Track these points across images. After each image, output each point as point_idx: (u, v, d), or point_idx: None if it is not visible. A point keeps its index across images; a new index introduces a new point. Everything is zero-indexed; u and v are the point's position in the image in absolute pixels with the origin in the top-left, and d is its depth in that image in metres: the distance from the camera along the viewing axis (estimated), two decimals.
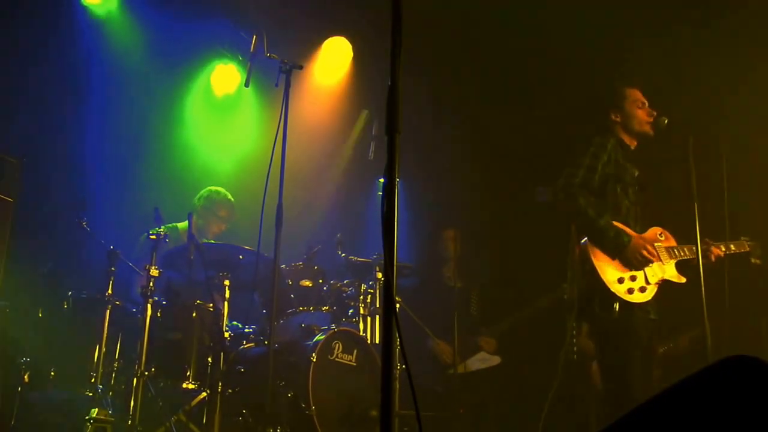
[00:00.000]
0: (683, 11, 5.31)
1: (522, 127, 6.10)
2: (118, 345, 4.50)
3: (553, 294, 5.52)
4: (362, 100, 7.03)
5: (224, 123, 6.93)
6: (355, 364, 4.64)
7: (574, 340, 4.38)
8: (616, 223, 4.04)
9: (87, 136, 5.91)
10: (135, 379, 4.16)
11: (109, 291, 4.41)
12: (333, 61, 6.70)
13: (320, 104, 6.84)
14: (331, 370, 4.49)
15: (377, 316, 4.92)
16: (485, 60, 6.09)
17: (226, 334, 4.56)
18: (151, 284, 4.35)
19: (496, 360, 5.67)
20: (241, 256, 4.77)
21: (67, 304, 4.55)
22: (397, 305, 3.44)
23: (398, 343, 1.91)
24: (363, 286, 5.00)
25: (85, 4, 6.14)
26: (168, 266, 4.67)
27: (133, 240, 5.30)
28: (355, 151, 7.10)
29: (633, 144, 4.31)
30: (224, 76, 6.79)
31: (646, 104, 4.29)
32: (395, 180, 1.95)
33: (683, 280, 4.06)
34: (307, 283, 5.05)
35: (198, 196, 5.69)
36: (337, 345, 4.59)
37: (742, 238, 4.31)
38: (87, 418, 3.97)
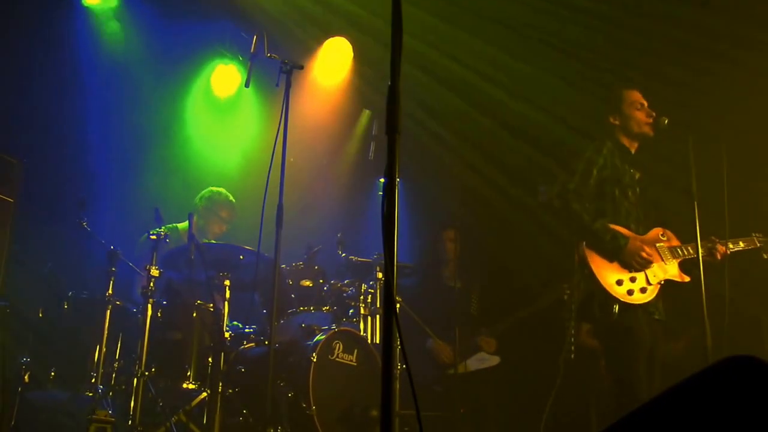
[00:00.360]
0: (683, 11, 5.31)
1: (522, 128, 6.11)
2: (119, 345, 4.50)
3: (553, 294, 5.53)
4: (362, 101, 7.03)
5: (225, 123, 6.93)
6: (355, 364, 4.64)
7: (572, 340, 4.39)
8: (613, 226, 4.04)
9: (87, 137, 5.91)
10: (135, 379, 4.16)
11: (110, 291, 4.41)
12: (333, 62, 6.70)
13: (320, 104, 6.84)
14: (331, 370, 4.49)
15: (377, 316, 4.92)
16: (485, 60, 6.09)
17: (227, 334, 4.55)
18: (151, 284, 4.35)
19: (495, 360, 5.67)
20: (241, 256, 4.77)
21: (67, 304, 4.55)
22: (398, 305, 3.45)
23: (398, 343, 1.91)
24: (363, 286, 4.99)
25: (85, 4, 6.15)
26: (168, 266, 4.67)
27: (134, 240, 5.30)
28: (355, 151, 7.11)
29: (633, 146, 4.32)
30: (225, 77, 6.79)
31: (646, 105, 4.30)
32: (395, 180, 1.95)
33: (687, 279, 4.06)
34: (308, 283, 5.05)
35: (199, 196, 5.70)
36: (338, 345, 4.59)
37: (754, 234, 4.29)
38: (87, 418, 3.96)
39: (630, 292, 3.95)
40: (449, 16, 5.90)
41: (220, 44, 6.71)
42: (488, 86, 6.13)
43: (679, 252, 4.11)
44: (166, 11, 6.16)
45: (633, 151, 4.32)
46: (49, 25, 5.87)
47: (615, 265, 3.99)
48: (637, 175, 4.25)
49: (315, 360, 4.37)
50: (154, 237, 4.41)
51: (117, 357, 4.48)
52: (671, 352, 5.13)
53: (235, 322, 5.01)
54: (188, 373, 4.49)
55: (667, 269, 4.06)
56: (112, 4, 6.24)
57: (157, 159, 6.33)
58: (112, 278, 4.45)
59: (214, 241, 5.53)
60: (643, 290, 3.96)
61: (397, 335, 1.85)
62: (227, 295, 4.65)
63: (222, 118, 6.93)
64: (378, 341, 4.83)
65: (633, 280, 3.97)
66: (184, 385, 4.46)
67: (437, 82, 6.21)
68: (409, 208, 6.74)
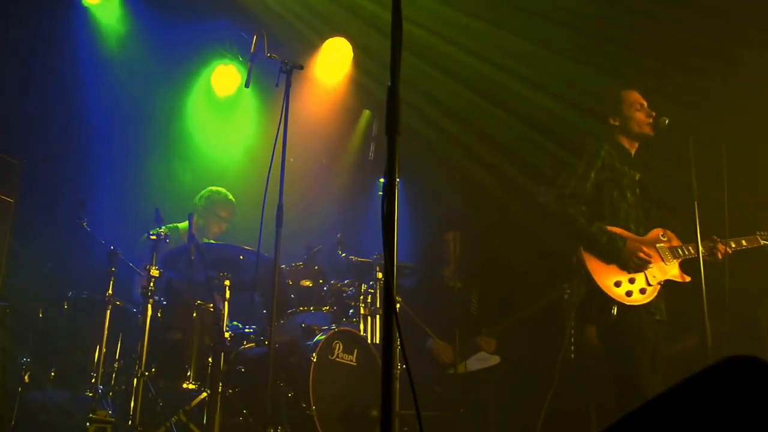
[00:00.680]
0: (683, 11, 5.31)
1: (522, 128, 6.10)
2: (119, 345, 4.50)
3: (553, 294, 5.52)
4: (362, 101, 7.03)
5: (225, 123, 6.93)
6: (355, 364, 4.64)
7: (573, 340, 4.39)
8: (612, 228, 4.04)
9: (87, 137, 5.91)
10: (135, 379, 4.16)
11: (110, 291, 4.41)
12: (333, 62, 6.70)
13: (320, 104, 6.84)
14: (331, 370, 4.49)
15: (377, 316, 4.92)
16: (487, 59, 6.09)
17: (227, 334, 4.55)
18: (151, 284, 4.35)
19: (495, 360, 5.67)
20: (241, 256, 4.77)
21: (67, 304, 4.55)
22: (397, 305, 3.44)
23: (398, 343, 1.91)
24: (363, 286, 4.99)
25: (85, 5, 6.15)
26: (168, 266, 4.67)
27: (134, 240, 5.30)
28: (355, 151, 7.11)
29: (633, 147, 4.31)
30: (225, 77, 6.80)
31: (645, 105, 4.29)
32: (395, 180, 1.95)
33: (687, 279, 4.06)
34: (308, 283, 5.05)
35: (199, 195, 5.70)
36: (338, 345, 4.59)
37: (758, 232, 4.29)
38: (87, 418, 3.96)
39: (629, 294, 3.95)
40: (457, 5, 5.90)
41: (220, 44, 6.71)
42: (489, 84, 6.13)
43: (680, 252, 4.11)
44: (166, 11, 6.17)
45: (633, 152, 4.32)
46: (50, 25, 5.87)
47: (613, 267, 3.99)
48: (637, 176, 4.25)
49: (315, 360, 4.37)
50: (154, 237, 4.41)
51: (117, 357, 4.48)
52: (682, 351, 5.12)
53: (235, 322, 5.01)
54: (188, 373, 4.49)
55: (668, 269, 4.06)
56: (112, 4, 6.24)
57: (157, 159, 6.34)
58: (112, 278, 4.45)
59: (213, 241, 5.53)
60: (642, 291, 3.96)
61: (397, 335, 1.85)
62: (227, 295, 4.65)
63: (222, 118, 6.93)
64: (378, 341, 4.83)
65: (632, 281, 3.97)
66: (184, 385, 4.46)
67: (438, 78, 6.20)
68: (409, 208, 6.74)
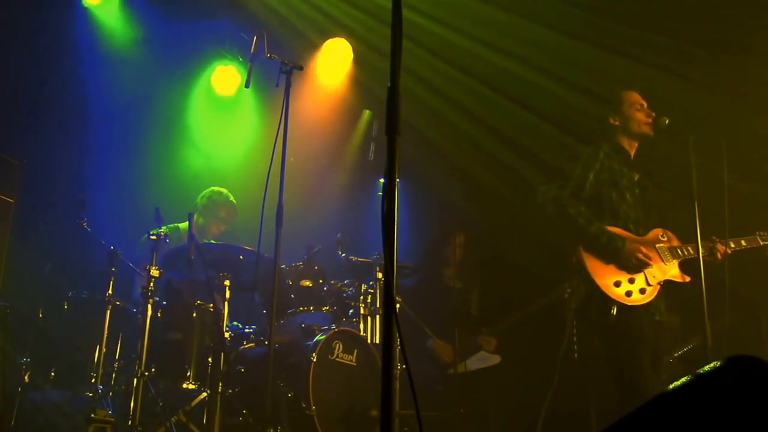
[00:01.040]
0: (683, 11, 5.31)
1: (522, 128, 6.11)
2: (119, 345, 4.50)
3: (553, 293, 5.52)
4: (362, 101, 7.04)
5: (225, 123, 6.93)
6: (355, 364, 4.64)
7: (573, 339, 4.38)
8: (611, 228, 4.04)
9: (87, 137, 5.92)
10: (135, 379, 4.16)
11: (110, 291, 4.41)
12: (333, 62, 6.71)
13: (320, 105, 6.84)
14: (331, 370, 4.49)
15: (377, 316, 4.92)
16: (488, 60, 6.09)
17: (227, 335, 4.55)
18: (151, 284, 4.35)
19: (496, 359, 5.67)
20: (241, 257, 4.77)
21: (67, 304, 4.55)
22: (397, 305, 3.45)
23: (398, 343, 1.91)
24: (363, 286, 4.99)
25: (86, 5, 6.15)
26: (168, 266, 4.67)
27: (134, 240, 5.30)
28: (355, 151, 7.11)
29: (633, 147, 4.31)
30: (225, 77, 6.80)
31: (645, 105, 4.30)
32: (395, 180, 1.95)
33: (687, 279, 4.06)
34: (308, 283, 5.05)
35: (200, 195, 5.71)
36: (338, 345, 4.59)
37: (757, 233, 4.29)
38: (87, 418, 3.96)
39: (628, 294, 3.95)
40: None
41: (220, 45, 6.71)
42: (489, 82, 6.13)
43: (679, 252, 4.11)
44: (166, 12, 6.17)
45: (632, 152, 4.32)
46: (50, 26, 5.87)
47: (612, 267, 3.99)
48: (636, 177, 4.25)
49: (315, 360, 4.37)
50: (154, 237, 4.41)
51: (117, 357, 4.48)
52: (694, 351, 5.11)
53: (235, 322, 5.01)
54: (188, 373, 4.49)
55: (667, 270, 4.06)
56: (112, 4, 6.24)
57: (158, 159, 6.34)
58: (112, 278, 4.45)
59: (214, 241, 5.53)
60: (642, 291, 3.96)
61: (397, 335, 1.85)
62: (227, 295, 4.65)
63: (222, 118, 6.94)
64: (378, 341, 4.83)
65: (631, 281, 3.97)
66: (184, 385, 4.46)
67: (438, 72, 6.21)
68: (409, 208, 6.74)
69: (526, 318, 5.74)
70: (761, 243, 4.26)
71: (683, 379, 1.45)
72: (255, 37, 4.37)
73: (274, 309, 3.99)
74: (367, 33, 6.19)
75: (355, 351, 4.66)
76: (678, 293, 4.10)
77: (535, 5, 5.69)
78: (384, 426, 1.78)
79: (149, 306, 4.32)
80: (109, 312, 4.38)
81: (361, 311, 4.94)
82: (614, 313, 3.89)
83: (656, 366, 3.97)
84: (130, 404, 4.15)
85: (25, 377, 4.31)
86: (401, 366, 4.31)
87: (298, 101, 5.71)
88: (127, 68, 6.18)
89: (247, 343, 4.77)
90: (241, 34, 6.35)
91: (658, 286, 4.01)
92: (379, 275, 4.97)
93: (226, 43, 6.71)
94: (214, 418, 4.29)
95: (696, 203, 3.92)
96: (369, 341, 4.79)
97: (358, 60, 6.64)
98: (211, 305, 4.63)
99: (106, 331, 4.34)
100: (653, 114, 4.26)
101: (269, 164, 3.97)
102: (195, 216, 5.03)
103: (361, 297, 4.97)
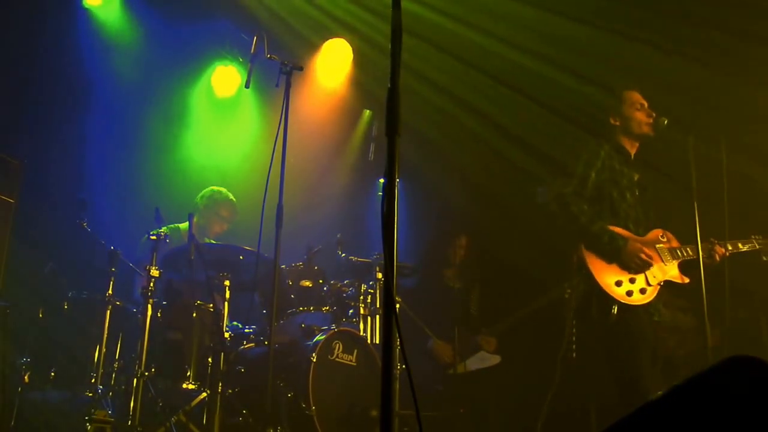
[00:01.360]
0: (683, 12, 5.31)
1: (522, 128, 6.11)
2: (118, 345, 4.50)
3: (553, 293, 5.53)
4: (362, 101, 7.04)
5: (225, 123, 6.94)
6: (355, 364, 4.64)
7: (574, 339, 4.38)
8: (612, 228, 4.04)
9: (88, 137, 5.92)
10: (135, 380, 4.16)
11: (110, 291, 4.41)
12: (333, 63, 6.71)
13: (320, 105, 6.85)
14: (331, 370, 4.49)
15: (377, 316, 4.92)
16: (488, 62, 6.09)
17: (227, 335, 4.56)
18: (151, 284, 4.35)
19: (496, 359, 5.67)
20: (241, 257, 4.78)
21: (67, 304, 4.55)
22: (397, 305, 3.45)
23: (398, 343, 1.91)
24: (363, 286, 5.00)
25: (86, 6, 6.15)
26: (168, 267, 4.67)
27: (134, 240, 5.30)
28: (355, 151, 7.11)
29: (633, 148, 4.32)
30: (225, 77, 6.81)
31: (645, 105, 4.31)
32: (395, 180, 1.95)
33: (686, 280, 4.07)
34: (307, 283, 5.05)
35: (200, 195, 5.71)
36: (338, 345, 4.59)
37: (753, 236, 4.30)
38: (87, 418, 3.96)
39: (629, 293, 3.95)
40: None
41: (220, 45, 6.71)
42: (489, 82, 6.13)
43: (679, 253, 4.11)
44: (166, 12, 6.17)
45: (633, 152, 4.32)
46: (50, 26, 5.87)
47: (614, 266, 3.99)
48: (636, 177, 4.25)
49: (315, 360, 4.37)
50: (154, 237, 4.41)
51: (117, 357, 4.48)
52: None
53: (235, 323, 5.01)
54: (188, 374, 4.49)
55: (667, 270, 4.07)
56: (113, 5, 6.24)
57: (158, 159, 6.34)
58: (112, 278, 4.45)
59: (214, 241, 5.53)
60: (642, 291, 3.97)
61: (397, 335, 1.85)
62: (227, 295, 4.65)
63: (222, 118, 6.94)
64: (378, 341, 4.83)
65: (632, 281, 3.97)
66: (184, 385, 4.46)
67: (440, 76, 6.21)
68: (409, 209, 6.74)
69: (526, 318, 5.74)
70: (757, 246, 4.27)
71: (684, 380, 1.45)
72: (255, 38, 4.37)
73: (274, 309, 4.00)
74: (367, 33, 6.19)
75: (355, 351, 4.67)
76: (687, 294, 4.10)
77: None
78: (384, 426, 1.79)
79: (149, 306, 4.32)
80: (109, 312, 4.38)
81: (361, 311, 4.94)
82: (615, 312, 3.90)
83: (656, 366, 3.97)
84: (130, 404, 4.15)
85: (25, 377, 4.30)
86: (401, 366, 4.31)
87: (298, 102, 5.71)
88: (128, 68, 6.18)
89: (247, 343, 4.77)
90: (241, 35, 6.35)
91: (658, 287, 4.01)
92: (379, 275, 4.97)
93: (226, 44, 6.71)
94: (214, 418, 4.29)
95: (695, 204, 3.92)
96: (369, 341, 4.79)
97: (358, 60, 6.64)
98: (211, 305, 4.63)
99: (106, 331, 4.34)
100: (654, 114, 4.26)
101: (269, 164, 3.98)
102: (195, 216, 5.03)
103: (361, 297, 4.97)
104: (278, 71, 4.22)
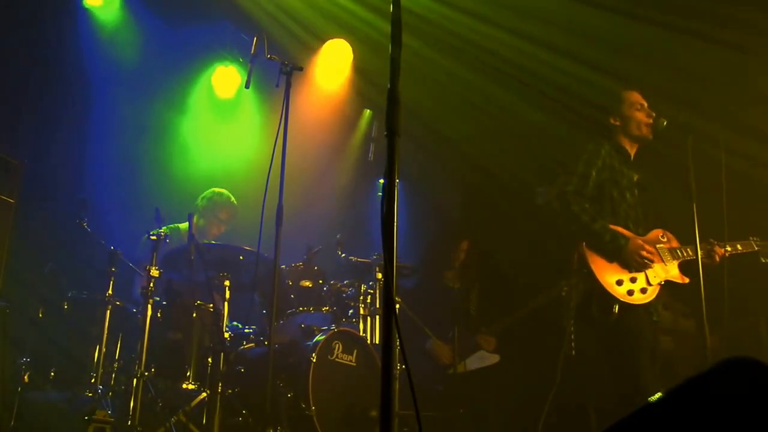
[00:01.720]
0: (683, 12, 5.31)
1: (522, 128, 6.11)
2: (118, 345, 4.50)
3: (551, 292, 5.53)
4: (362, 101, 7.04)
5: (225, 124, 6.94)
6: (355, 364, 4.64)
7: (573, 337, 4.38)
8: (613, 227, 4.05)
9: (88, 137, 5.92)
10: (135, 380, 4.16)
11: (110, 291, 4.42)
12: (333, 63, 6.71)
13: (320, 105, 6.85)
14: (331, 370, 4.49)
15: (377, 317, 4.93)
16: (489, 64, 6.09)
17: (226, 335, 4.56)
18: (151, 285, 4.35)
19: (495, 358, 5.67)
20: (241, 257, 4.78)
21: (67, 304, 4.55)
22: (397, 305, 3.45)
23: (398, 343, 1.91)
24: (363, 287, 5.00)
25: (86, 6, 6.16)
26: (168, 267, 4.67)
27: (134, 240, 5.31)
28: (355, 151, 7.12)
29: (633, 148, 4.33)
30: (225, 78, 6.81)
31: (645, 106, 4.31)
32: (395, 181, 1.95)
33: (686, 280, 4.07)
34: (307, 283, 5.06)
35: (201, 196, 5.71)
36: (337, 345, 4.59)
37: (751, 238, 4.30)
38: (87, 418, 3.96)
39: (630, 293, 3.95)
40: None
41: (221, 46, 6.71)
42: (488, 82, 6.14)
43: (679, 253, 4.12)
44: (167, 13, 6.17)
45: (632, 153, 4.33)
46: (51, 27, 5.87)
47: (615, 265, 4.00)
48: (635, 177, 4.26)
49: (314, 360, 4.37)
50: (154, 237, 4.41)
51: (117, 357, 4.48)
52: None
53: (235, 323, 5.01)
54: (188, 374, 4.49)
55: (668, 270, 4.07)
56: (113, 5, 6.25)
57: (158, 159, 6.34)
58: (112, 278, 4.45)
59: (213, 242, 5.53)
60: (643, 291, 3.97)
61: (397, 335, 1.86)
62: (227, 295, 4.65)
63: (222, 118, 6.94)
64: (377, 341, 4.83)
65: (633, 280, 3.98)
66: (184, 386, 4.46)
67: (440, 75, 6.21)
68: (408, 209, 6.74)
69: (525, 317, 5.74)
70: (755, 248, 4.27)
71: (683, 381, 1.45)
72: (255, 38, 4.37)
73: (274, 309, 4.00)
74: (367, 33, 6.19)
75: (355, 351, 4.67)
76: (677, 295, 4.11)
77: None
78: (383, 426, 1.79)
79: (149, 306, 4.32)
80: (109, 312, 4.39)
81: (361, 311, 4.94)
82: (616, 311, 3.90)
83: (655, 366, 3.97)
84: (129, 404, 4.15)
85: (25, 377, 4.30)
86: (401, 366, 4.31)
87: (298, 102, 5.71)
88: (127, 68, 6.18)
89: (246, 343, 4.77)
90: (242, 35, 6.36)
91: (659, 287, 4.02)
92: (379, 275, 4.98)
93: (226, 45, 6.71)
94: (213, 418, 4.29)
95: (694, 205, 3.93)
96: (369, 341, 4.79)
97: (358, 60, 6.64)
98: (211, 305, 4.63)
99: (106, 331, 4.34)
100: (653, 114, 4.27)
101: (269, 164, 3.98)
102: (195, 217, 5.03)
103: (361, 297, 4.97)
104: (278, 72, 4.22)
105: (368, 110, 7.14)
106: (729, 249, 4.18)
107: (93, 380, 4.27)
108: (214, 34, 6.59)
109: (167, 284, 4.68)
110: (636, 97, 4.34)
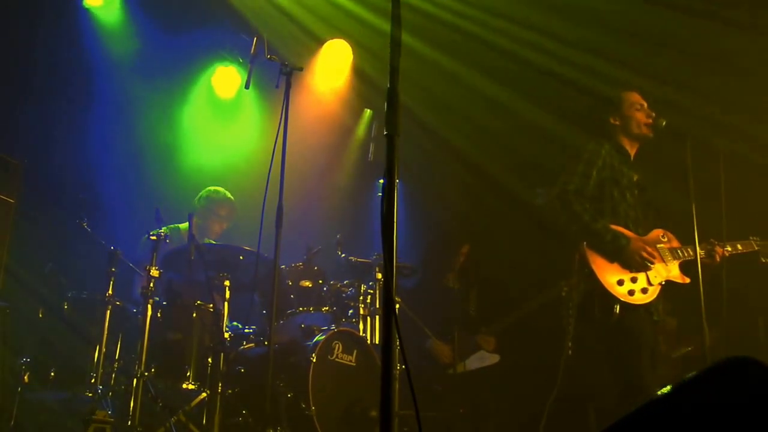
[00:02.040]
0: (683, 12, 5.32)
1: (521, 129, 6.11)
2: (118, 345, 4.51)
3: (551, 292, 5.53)
4: (362, 102, 7.04)
5: (225, 124, 6.94)
6: (354, 364, 4.65)
7: (572, 338, 4.38)
8: (614, 227, 4.05)
9: (88, 137, 5.92)
10: (135, 380, 4.17)
11: (110, 291, 4.42)
12: (333, 64, 6.72)
13: (320, 106, 6.85)
14: (331, 370, 4.50)
15: (377, 317, 4.93)
16: (487, 63, 6.10)
17: (226, 335, 4.56)
18: (151, 285, 4.35)
19: (495, 358, 5.67)
20: (241, 257, 4.78)
21: (67, 304, 4.55)
22: (397, 305, 3.46)
23: (398, 343, 1.92)
24: (363, 287, 5.00)
25: (86, 7, 6.16)
26: (168, 267, 4.67)
27: (134, 240, 5.31)
28: (355, 152, 7.12)
29: (633, 149, 4.33)
30: (225, 78, 6.81)
31: (645, 106, 4.32)
32: (395, 181, 1.96)
33: (687, 280, 4.07)
34: (307, 283, 5.06)
35: (198, 196, 5.70)
36: (337, 345, 4.59)
37: (751, 237, 4.30)
38: (86, 418, 3.97)
39: (631, 293, 3.95)
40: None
41: (221, 46, 6.72)
42: (487, 83, 6.14)
43: (680, 253, 4.12)
44: (167, 13, 6.18)
45: (632, 153, 4.34)
46: (51, 26, 5.88)
47: (616, 265, 4.00)
48: (635, 177, 4.26)
49: (314, 360, 4.37)
50: (154, 237, 4.42)
51: (117, 357, 4.48)
52: (694, 352, 5.12)
53: (235, 323, 5.01)
54: (188, 374, 4.49)
55: (669, 270, 4.07)
56: (113, 5, 6.25)
57: (158, 159, 6.34)
58: (112, 278, 4.45)
59: (214, 242, 5.53)
60: (644, 291, 3.97)
61: (397, 335, 1.86)
62: (227, 295, 4.65)
63: (222, 119, 6.94)
64: (377, 341, 4.83)
65: (634, 280, 3.98)
66: (184, 386, 4.46)
67: (439, 76, 6.21)
68: (408, 210, 6.75)
69: (525, 317, 5.74)
70: (756, 247, 4.28)
71: (681, 380, 1.45)
72: (255, 39, 4.38)
73: (274, 309, 4.00)
74: (366, 34, 6.19)
75: (355, 351, 4.67)
76: (676, 295, 4.11)
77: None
78: (383, 426, 1.79)
79: (149, 306, 4.33)
80: (109, 312, 4.39)
81: (361, 311, 4.94)
82: (617, 311, 3.90)
83: (655, 366, 3.98)
84: (129, 404, 4.15)
85: (25, 377, 4.31)
86: (401, 366, 4.31)
87: (298, 102, 5.71)
88: (128, 69, 6.19)
89: (246, 343, 4.77)
90: (242, 36, 6.36)
91: (660, 287, 4.02)
92: (379, 276, 4.98)
93: (226, 45, 6.71)
94: (213, 418, 4.29)
95: (693, 205, 3.93)
96: (368, 341, 4.80)
97: (358, 61, 6.65)
98: (211, 305, 4.64)
99: (106, 331, 4.34)
100: (653, 114, 4.27)
101: (269, 165, 3.98)
102: (195, 217, 5.03)
103: (361, 297, 4.97)
104: (278, 72, 4.23)
105: (368, 110, 7.13)
106: (729, 249, 4.19)
107: (93, 380, 4.27)
108: (214, 35, 6.59)
109: (167, 284, 4.68)
110: (636, 97, 4.35)
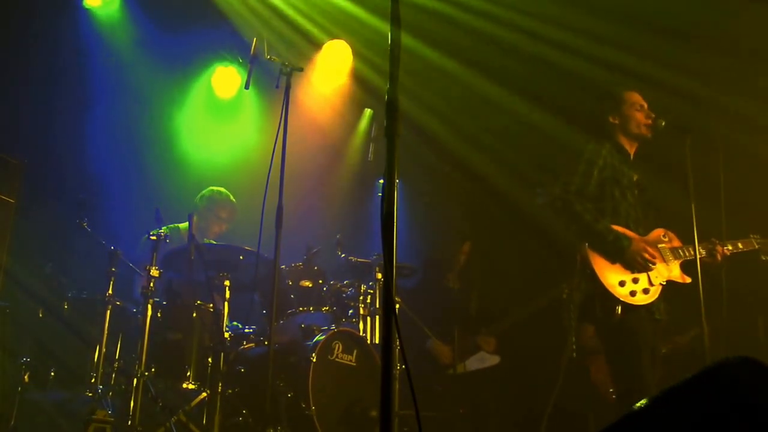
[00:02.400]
0: (683, 12, 5.32)
1: (521, 129, 6.11)
2: (118, 345, 4.51)
3: (552, 293, 5.53)
4: (362, 102, 7.04)
5: (225, 124, 6.94)
6: (354, 364, 4.65)
7: (574, 338, 4.39)
8: (615, 227, 4.05)
9: (88, 137, 5.92)
10: (135, 379, 4.17)
11: (110, 291, 4.42)
12: (333, 64, 6.72)
13: (320, 106, 6.85)
14: (331, 370, 4.50)
15: (377, 317, 4.93)
16: (487, 62, 6.09)
17: (226, 335, 4.56)
18: (151, 285, 4.35)
19: (495, 359, 5.68)
20: (241, 257, 4.78)
21: (67, 304, 4.56)
22: (397, 305, 3.46)
23: (398, 343, 1.92)
24: (363, 287, 5.00)
25: (86, 6, 6.16)
26: (168, 267, 4.67)
27: (134, 240, 5.31)
28: (355, 152, 7.12)
29: (632, 148, 4.33)
30: (225, 78, 6.81)
31: (645, 106, 4.32)
32: (395, 181, 1.96)
33: (688, 280, 4.07)
34: (307, 283, 5.06)
35: (199, 195, 5.70)
36: (337, 345, 4.59)
37: (752, 235, 4.30)
38: (87, 418, 3.97)
39: (632, 293, 3.95)
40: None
41: (221, 47, 6.72)
42: (486, 84, 6.14)
43: (681, 253, 4.12)
44: (167, 13, 6.18)
45: (632, 152, 4.34)
46: (51, 27, 5.88)
47: (617, 266, 3.99)
48: (635, 177, 4.26)
49: (314, 360, 4.38)
50: (154, 237, 4.42)
51: (117, 357, 4.49)
52: (672, 352, 5.13)
53: (235, 323, 5.02)
54: (188, 373, 4.49)
55: (670, 269, 4.07)
56: (113, 5, 6.25)
57: (158, 159, 6.34)
58: (112, 278, 4.45)
59: (214, 242, 5.53)
60: (645, 291, 3.97)
61: (397, 335, 1.86)
62: (227, 295, 4.66)
63: (222, 119, 6.95)
64: (377, 341, 4.83)
65: (635, 281, 3.98)
66: (184, 385, 4.47)
67: (439, 76, 6.21)
68: (408, 210, 6.75)
69: (525, 318, 5.75)
70: (756, 246, 4.27)
71: (680, 380, 1.45)
72: (255, 39, 4.38)
73: (274, 309, 4.00)
74: (366, 34, 6.19)
75: (355, 351, 4.67)
76: (673, 294, 4.11)
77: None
78: (383, 426, 1.79)
79: (149, 306, 4.33)
80: (109, 312, 4.39)
81: (361, 311, 4.95)
82: (619, 312, 3.90)
83: (655, 365, 3.98)
84: (129, 404, 4.15)
85: (25, 377, 4.31)
86: (401, 366, 4.32)
87: (298, 102, 5.71)
88: (127, 69, 6.19)
89: (246, 343, 4.77)
90: (242, 36, 6.36)
91: (661, 287, 4.01)
92: (379, 275, 4.98)
93: (226, 45, 6.71)
94: (213, 418, 4.30)
95: (692, 205, 3.93)
96: (368, 341, 4.80)
97: (358, 61, 6.65)
98: (211, 305, 4.64)
99: (106, 331, 4.34)
100: (653, 115, 4.27)
101: (269, 165, 3.98)
102: (195, 217, 5.03)
103: (361, 297, 4.98)
104: (278, 72, 4.23)
105: (368, 110, 7.13)
106: (730, 248, 4.18)
107: (93, 380, 4.28)
108: (214, 35, 6.59)
109: (167, 284, 4.69)
110: (636, 97, 4.35)
